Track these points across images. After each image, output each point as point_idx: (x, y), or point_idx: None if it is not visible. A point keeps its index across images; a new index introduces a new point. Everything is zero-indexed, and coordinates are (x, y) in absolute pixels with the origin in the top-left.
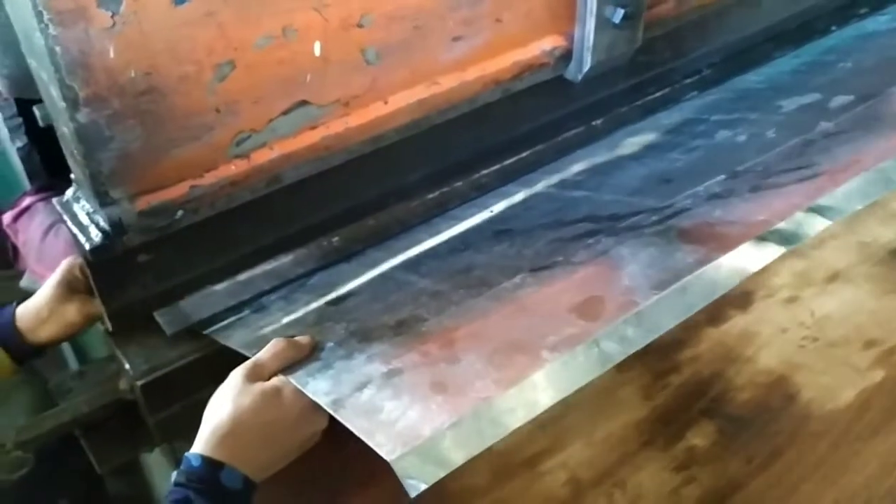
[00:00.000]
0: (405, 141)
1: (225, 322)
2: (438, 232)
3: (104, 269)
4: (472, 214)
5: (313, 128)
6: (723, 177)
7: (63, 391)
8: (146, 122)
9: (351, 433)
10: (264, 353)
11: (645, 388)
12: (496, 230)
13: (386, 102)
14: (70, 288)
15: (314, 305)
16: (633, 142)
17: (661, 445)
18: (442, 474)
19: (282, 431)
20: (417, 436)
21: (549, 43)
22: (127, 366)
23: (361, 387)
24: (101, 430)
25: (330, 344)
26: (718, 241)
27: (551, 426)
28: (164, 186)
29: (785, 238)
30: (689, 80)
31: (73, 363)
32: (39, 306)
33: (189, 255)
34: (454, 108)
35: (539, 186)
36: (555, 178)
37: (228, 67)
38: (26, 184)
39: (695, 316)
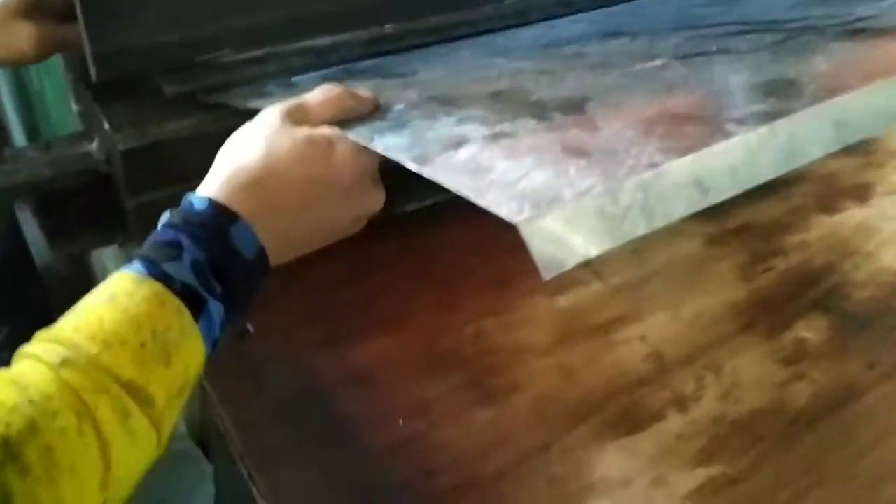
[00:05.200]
0: None
1: (242, 90)
2: (520, 36)
3: None
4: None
5: None
6: None
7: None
8: None
9: (375, 261)
10: (311, 96)
11: (743, 268)
12: (605, 33)
13: None
14: (31, 4)
15: (362, 83)
16: None
17: (763, 333)
18: (593, 253)
19: (326, 197)
20: (555, 198)
21: None
22: (106, 125)
23: (456, 146)
24: (59, 208)
25: (399, 106)
26: None
27: (627, 292)
28: None
29: None
30: None
31: None
32: None
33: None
34: None
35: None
36: None
37: None
38: None
39: (802, 200)
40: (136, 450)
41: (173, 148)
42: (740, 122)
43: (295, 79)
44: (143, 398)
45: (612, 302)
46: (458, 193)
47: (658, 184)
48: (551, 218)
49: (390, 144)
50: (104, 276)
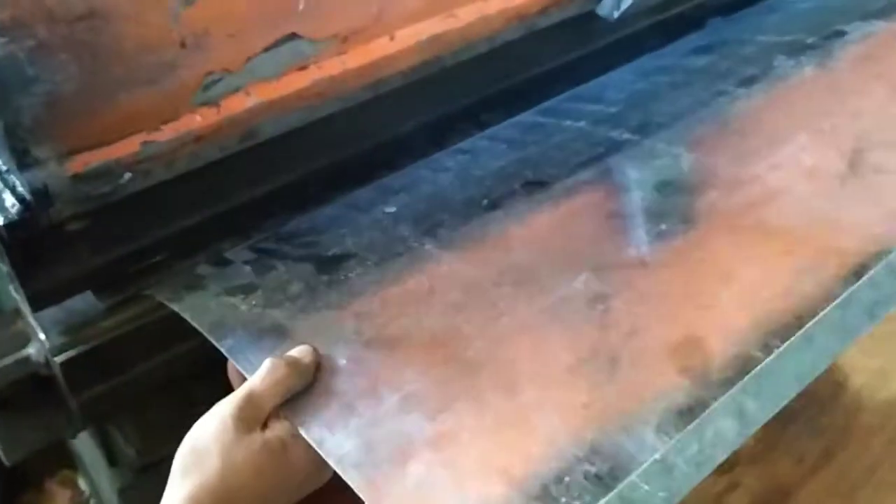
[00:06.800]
0: (410, 86)
1: (174, 280)
2: (443, 168)
3: (23, 245)
4: (483, 148)
5: (303, 68)
6: None
7: None
8: (84, 58)
9: None
10: (259, 383)
11: None
12: (527, 182)
13: (392, 38)
14: None
15: (296, 265)
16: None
17: None
18: None
19: (282, 494)
20: None
21: None
22: (41, 335)
23: (404, 458)
24: (7, 407)
25: (342, 361)
26: None
27: None
28: (107, 142)
29: None
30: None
31: None
32: None
33: (135, 225)
34: (470, 47)
35: (565, 119)
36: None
37: None
38: None
39: None
40: None
41: (110, 347)
42: (659, 427)
43: (226, 254)
44: None
45: None
46: None
47: None
48: None
49: (342, 454)
50: None
